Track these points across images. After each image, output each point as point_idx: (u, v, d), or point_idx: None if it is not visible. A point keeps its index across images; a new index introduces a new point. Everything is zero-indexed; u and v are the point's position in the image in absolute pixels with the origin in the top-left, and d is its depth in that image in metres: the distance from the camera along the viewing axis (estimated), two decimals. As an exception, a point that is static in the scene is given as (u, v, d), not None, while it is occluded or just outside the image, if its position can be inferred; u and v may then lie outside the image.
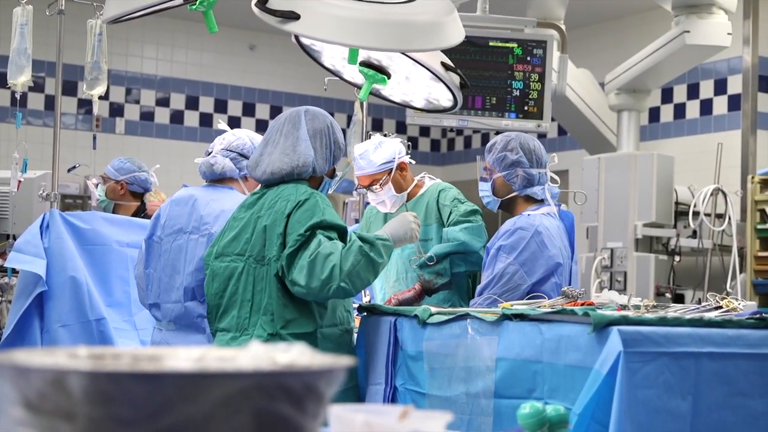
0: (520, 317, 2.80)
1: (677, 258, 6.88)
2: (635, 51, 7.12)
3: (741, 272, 6.70)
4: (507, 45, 5.37)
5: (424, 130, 11.43)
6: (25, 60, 4.80)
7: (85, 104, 9.40)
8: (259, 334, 3.14)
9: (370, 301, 4.17)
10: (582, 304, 2.96)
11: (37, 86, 8.74)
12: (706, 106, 8.77)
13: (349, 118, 5.84)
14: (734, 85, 8.42)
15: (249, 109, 10.56)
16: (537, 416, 2.34)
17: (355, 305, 3.60)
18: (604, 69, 7.64)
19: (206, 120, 10.32)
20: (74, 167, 5.65)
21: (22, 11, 4.81)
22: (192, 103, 10.32)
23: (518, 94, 5.37)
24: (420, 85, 3.57)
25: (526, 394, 2.69)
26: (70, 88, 8.90)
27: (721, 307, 2.87)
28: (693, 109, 8.89)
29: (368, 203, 4.40)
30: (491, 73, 5.34)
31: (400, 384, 3.23)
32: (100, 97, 5.17)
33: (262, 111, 10.60)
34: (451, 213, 4.03)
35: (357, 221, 4.96)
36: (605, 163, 6.98)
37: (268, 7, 2.93)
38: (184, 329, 3.58)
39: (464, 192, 4.35)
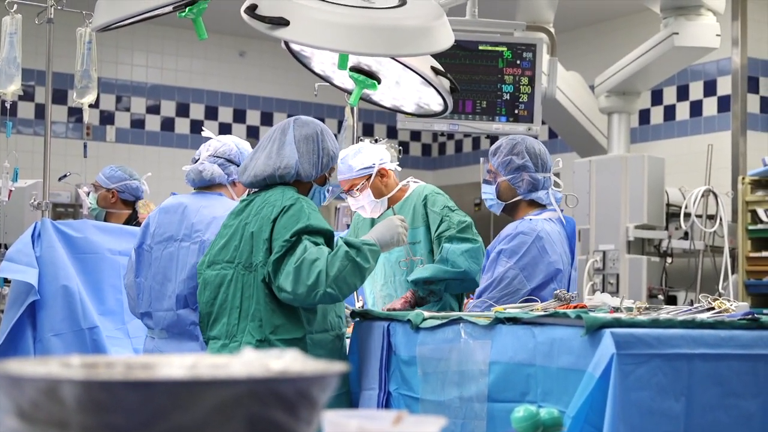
0: (513, 321, 2.81)
1: (669, 260, 6.89)
2: (624, 53, 7.14)
3: (733, 273, 6.72)
4: (496, 49, 5.38)
5: (415, 135, 11.44)
6: (15, 69, 4.80)
7: (76, 112, 9.38)
8: (247, 341, 3.14)
9: (362, 306, 4.17)
10: (574, 307, 2.96)
11: (27, 95, 8.75)
12: (696, 108, 8.80)
13: (340, 124, 5.85)
14: (724, 87, 8.44)
15: (240, 116, 10.56)
16: (531, 419, 2.34)
17: (348, 310, 3.59)
18: (593, 72, 7.65)
19: (197, 127, 10.30)
20: (65, 176, 5.64)
21: (11, 20, 4.81)
22: (182, 110, 10.31)
23: (508, 97, 5.38)
24: (410, 90, 3.58)
25: (520, 397, 2.69)
26: (60, 97, 8.89)
27: (713, 309, 2.88)
28: (683, 111, 8.92)
29: (357, 208, 4.40)
30: (481, 77, 5.35)
31: (393, 389, 3.23)
32: (91, 106, 5.17)
33: (253, 117, 10.60)
34: (442, 221, 3.97)
35: (349, 226, 4.96)
36: (596, 165, 6.99)
37: (257, 14, 2.93)
38: (176, 337, 3.58)
39: (455, 196, 4.34)
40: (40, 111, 9.20)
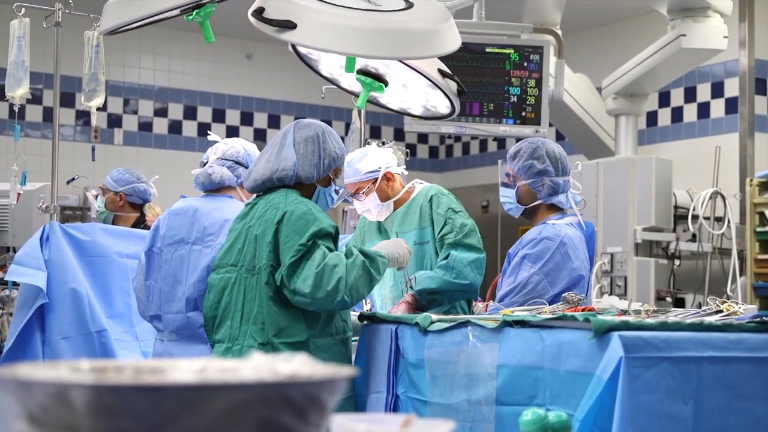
0: (521, 324, 2.80)
1: (677, 262, 6.88)
2: (632, 55, 7.13)
3: (741, 275, 6.70)
4: (503, 51, 5.38)
5: (423, 137, 11.44)
6: (23, 72, 4.81)
7: (84, 115, 9.40)
8: (249, 344, 3.14)
9: (371, 309, 4.17)
10: (583, 310, 2.96)
11: (35, 98, 8.78)
12: (704, 110, 8.78)
13: (347, 126, 5.85)
14: (731, 88, 8.43)
15: (247, 119, 10.56)
16: (539, 423, 2.34)
17: (355, 314, 3.60)
18: (601, 74, 7.64)
19: (204, 130, 10.31)
20: (73, 179, 5.66)
21: (20, 24, 4.82)
22: (190, 113, 10.32)
23: (515, 100, 5.38)
24: (417, 93, 3.58)
25: (528, 400, 2.69)
26: (68, 100, 8.90)
27: (721, 311, 2.87)
28: (690, 113, 8.90)
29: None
30: (488, 79, 5.35)
31: (401, 392, 3.22)
32: (99, 109, 5.18)
33: (260, 120, 10.60)
34: (445, 224, 3.97)
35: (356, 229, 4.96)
36: (604, 167, 6.98)
37: (264, 17, 2.93)
38: (186, 340, 3.58)
39: (463, 198, 4.33)
40: (48, 114, 9.22)
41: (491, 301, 3.78)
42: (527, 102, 5.40)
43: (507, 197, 3.79)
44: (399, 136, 10.74)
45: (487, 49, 5.38)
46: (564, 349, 2.62)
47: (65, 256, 4.40)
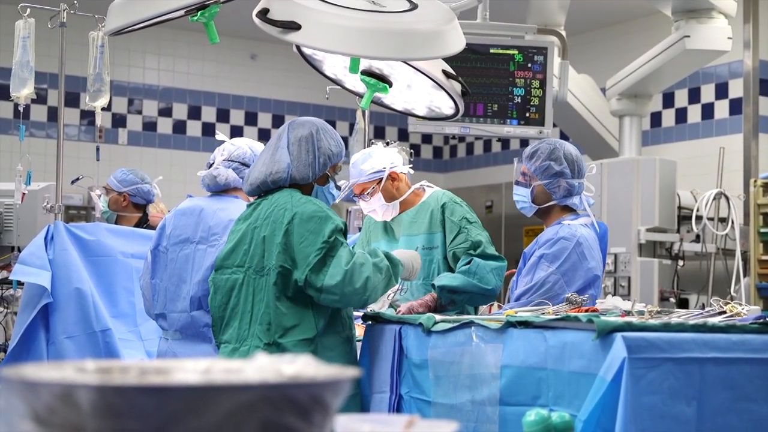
0: (525, 324, 2.81)
1: (681, 262, 6.88)
2: (636, 56, 7.13)
3: (745, 276, 6.70)
4: (508, 52, 5.38)
5: (427, 138, 11.43)
6: (28, 72, 4.82)
7: (88, 115, 9.41)
8: (255, 344, 3.15)
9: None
10: (586, 311, 2.96)
11: (40, 98, 8.78)
12: (708, 111, 8.78)
13: (352, 127, 5.86)
14: (735, 89, 8.42)
15: (251, 119, 10.57)
16: (542, 423, 2.34)
17: (359, 313, 3.60)
18: (605, 74, 7.64)
19: (208, 130, 10.33)
20: (78, 179, 5.66)
21: (24, 24, 4.83)
22: (194, 113, 10.33)
23: (519, 100, 5.38)
24: (421, 93, 3.58)
25: (531, 401, 2.69)
26: (72, 100, 8.92)
27: (724, 312, 2.87)
28: (694, 114, 8.90)
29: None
30: (492, 80, 5.35)
31: (405, 392, 3.23)
32: (103, 109, 5.18)
33: (264, 120, 10.61)
34: (459, 233, 3.92)
35: (360, 229, 4.96)
36: (608, 168, 6.98)
37: (268, 18, 2.94)
38: (190, 338, 3.59)
39: (467, 198, 4.33)
40: (53, 114, 9.23)
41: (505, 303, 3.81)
42: (531, 103, 5.41)
43: (521, 196, 3.79)
44: (403, 136, 10.74)
45: (492, 50, 5.38)
46: (567, 350, 2.62)
47: (70, 255, 4.41)
